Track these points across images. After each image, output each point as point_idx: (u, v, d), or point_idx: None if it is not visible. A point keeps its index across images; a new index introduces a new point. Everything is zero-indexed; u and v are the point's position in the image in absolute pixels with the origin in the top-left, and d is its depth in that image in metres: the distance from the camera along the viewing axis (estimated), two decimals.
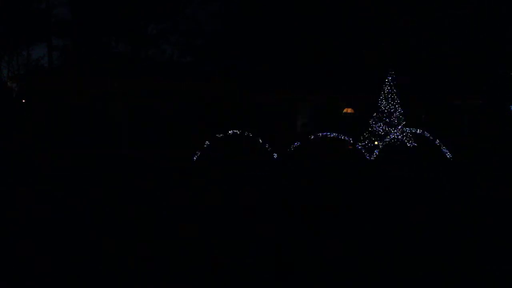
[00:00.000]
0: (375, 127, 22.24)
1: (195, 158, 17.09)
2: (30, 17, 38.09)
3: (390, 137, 20.98)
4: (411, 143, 21.80)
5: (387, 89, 22.47)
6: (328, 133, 20.25)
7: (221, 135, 18.49)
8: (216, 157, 17.65)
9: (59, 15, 54.10)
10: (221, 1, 43.15)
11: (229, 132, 19.24)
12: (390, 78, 22.47)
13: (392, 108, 22.32)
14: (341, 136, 20.87)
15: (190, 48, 44.33)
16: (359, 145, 18.77)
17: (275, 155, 17.94)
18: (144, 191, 10.03)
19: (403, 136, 20.82)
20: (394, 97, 22.41)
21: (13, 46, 37.73)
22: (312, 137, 20.26)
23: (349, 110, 25.98)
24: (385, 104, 22.38)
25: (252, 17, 40.70)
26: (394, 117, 22.27)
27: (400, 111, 22.52)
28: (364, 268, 5.25)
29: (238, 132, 19.35)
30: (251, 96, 23.94)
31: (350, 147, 19.65)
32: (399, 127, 21.97)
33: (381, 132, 21.98)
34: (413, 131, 21.06)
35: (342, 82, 25.80)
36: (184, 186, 11.04)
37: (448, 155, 18.61)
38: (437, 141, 18.56)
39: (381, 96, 22.62)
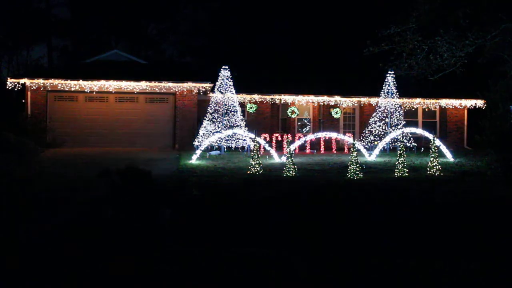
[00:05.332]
0: (375, 127, 22.21)
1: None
2: (30, 17, 38.09)
3: (390, 137, 20.94)
4: (411, 143, 21.77)
5: (387, 89, 22.43)
6: (328, 133, 20.25)
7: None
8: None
9: (59, 15, 54.14)
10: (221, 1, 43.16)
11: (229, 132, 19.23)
12: (390, 78, 22.41)
13: (392, 108, 22.29)
14: (341, 136, 20.84)
15: (190, 48, 44.34)
16: (359, 145, 18.75)
17: (275, 155, 17.92)
18: None
19: (403, 136, 20.79)
20: (394, 97, 22.37)
21: (13, 46, 37.73)
22: (311, 137, 20.24)
23: (349, 110, 25.96)
24: (385, 104, 22.35)
25: (250, 16, 40.72)
26: (394, 117, 22.24)
27: (400, 111, 22.47)
28: None
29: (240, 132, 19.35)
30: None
31: (350, 147, 19.61)
32: (399, 127, 21.94)
33: (381, 132, 21.96)
34: (413, 131, 21.01)
35: (342, 82, 25.76)
36: None
37: (449, 155, 18.59)
38: (437, 141, 18.50)
39: (381, 96, 22.58)
